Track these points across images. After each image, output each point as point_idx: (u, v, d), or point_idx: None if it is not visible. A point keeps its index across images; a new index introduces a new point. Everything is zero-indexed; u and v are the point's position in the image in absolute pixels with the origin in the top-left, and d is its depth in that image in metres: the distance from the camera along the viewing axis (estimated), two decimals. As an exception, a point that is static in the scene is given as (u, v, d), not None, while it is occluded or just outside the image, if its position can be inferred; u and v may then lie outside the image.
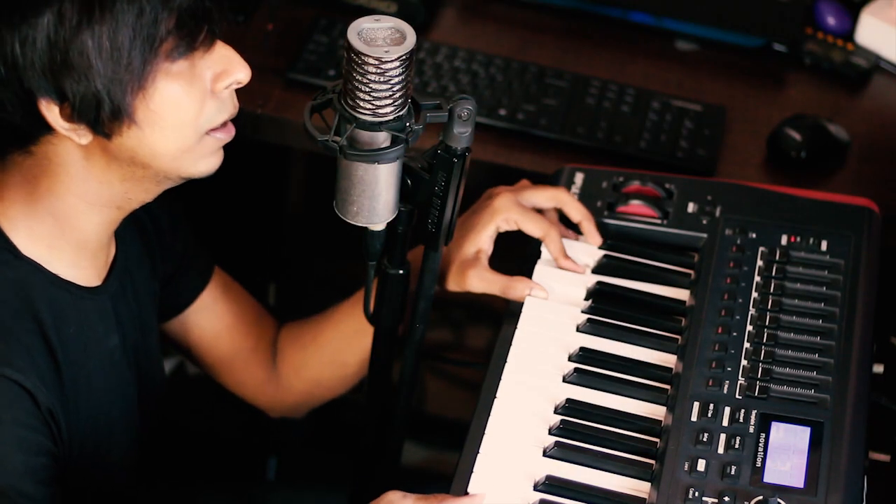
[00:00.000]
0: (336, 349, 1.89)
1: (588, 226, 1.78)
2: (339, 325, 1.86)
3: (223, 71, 1.54)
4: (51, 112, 1.50)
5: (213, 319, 1.89)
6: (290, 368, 1.93)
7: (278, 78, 2.15)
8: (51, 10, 1.45)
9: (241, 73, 1.55)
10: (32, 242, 1.59)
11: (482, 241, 1.75)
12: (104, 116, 1.50)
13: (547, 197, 1.78)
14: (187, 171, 1.58)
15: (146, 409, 1.79)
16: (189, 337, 1.90)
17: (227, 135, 1.58)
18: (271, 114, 2.11)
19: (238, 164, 2.69)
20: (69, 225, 1.60)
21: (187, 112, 1.53)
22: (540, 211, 1.79)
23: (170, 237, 1.82)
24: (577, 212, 1.78)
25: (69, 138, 1.52)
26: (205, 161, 1.58)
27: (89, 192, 1.58)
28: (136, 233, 1.75)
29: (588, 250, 1.81)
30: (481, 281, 1.73)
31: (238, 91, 1.58)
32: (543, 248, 1.80)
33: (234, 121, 1.60)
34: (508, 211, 1.74)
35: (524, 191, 1.78)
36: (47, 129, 1.52)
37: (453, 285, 1.76)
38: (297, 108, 2.11)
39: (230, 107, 1.57)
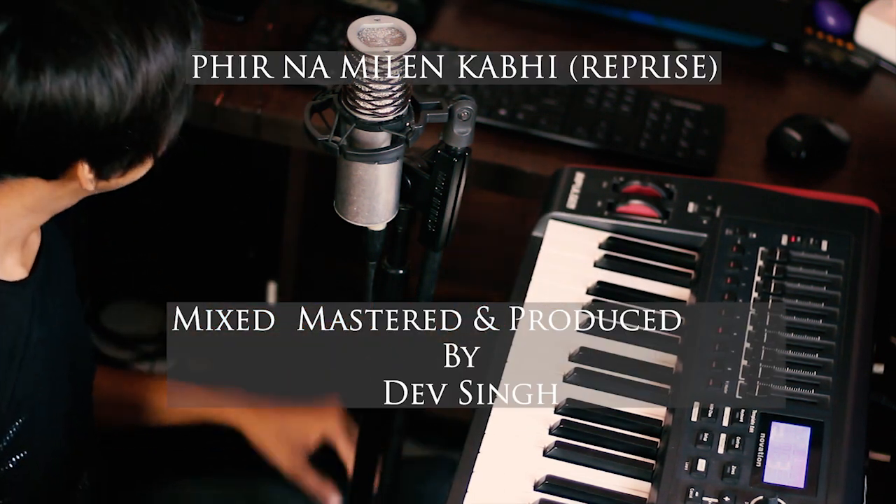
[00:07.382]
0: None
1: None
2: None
3: None
4: (82, 170, 1.51)
5: None
6: None
7: (278, 78, 2.15)
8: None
9: None
10: None
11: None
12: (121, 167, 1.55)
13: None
14: None
15: (80, 398, 1.79)
16: None
17: None
18: (271, 114, 2.11)
19: (238, 165, 2.69)
20: (1, 226, 1.58)
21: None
22: None
23: (76, 213, 1.81)
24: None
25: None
26: None
27: (37, 202, 1.57)
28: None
29: (588, 247, 1.81)
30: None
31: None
32: (540, 255, 1.80)
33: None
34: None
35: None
36: (62, 171, 1.53)
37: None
38: (297, 108, 2.10)
39: None
